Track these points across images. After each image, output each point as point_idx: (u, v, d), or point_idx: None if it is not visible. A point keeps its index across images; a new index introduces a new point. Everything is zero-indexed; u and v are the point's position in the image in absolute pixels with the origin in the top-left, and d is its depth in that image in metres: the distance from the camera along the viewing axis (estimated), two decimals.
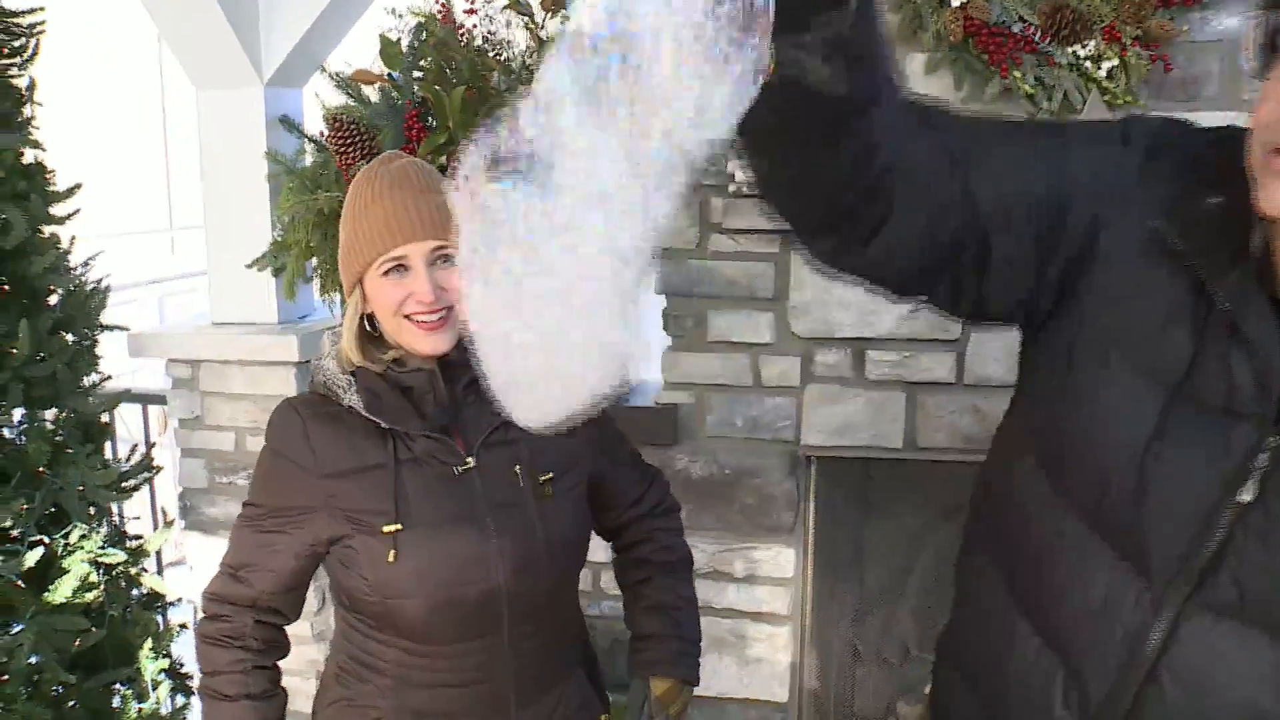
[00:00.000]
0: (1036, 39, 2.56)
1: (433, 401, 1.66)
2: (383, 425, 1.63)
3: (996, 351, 2.69)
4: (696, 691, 1.90)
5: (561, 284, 0.92)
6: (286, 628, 1.79)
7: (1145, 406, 1.13)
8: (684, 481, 2.89)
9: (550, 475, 1.70)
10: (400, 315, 1.60)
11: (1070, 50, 2.55)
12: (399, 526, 1.60)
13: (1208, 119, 1.26)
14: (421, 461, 1.64)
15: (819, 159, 1.07)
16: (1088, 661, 1.18)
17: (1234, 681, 1.11)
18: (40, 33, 2.73)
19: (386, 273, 1.60)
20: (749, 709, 3.06)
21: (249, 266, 3.17)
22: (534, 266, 0.92)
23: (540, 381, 1.02)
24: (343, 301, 2.93)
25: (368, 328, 1.68)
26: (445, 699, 1.69)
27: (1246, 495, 1.08)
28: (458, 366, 1.67)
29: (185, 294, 9.94)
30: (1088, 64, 2.54)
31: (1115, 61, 2.53)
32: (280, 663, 1.78)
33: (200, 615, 1.74)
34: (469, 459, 1.66)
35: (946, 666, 1.43)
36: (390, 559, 1.60)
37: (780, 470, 2.90)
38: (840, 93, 0.98)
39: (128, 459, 2.92)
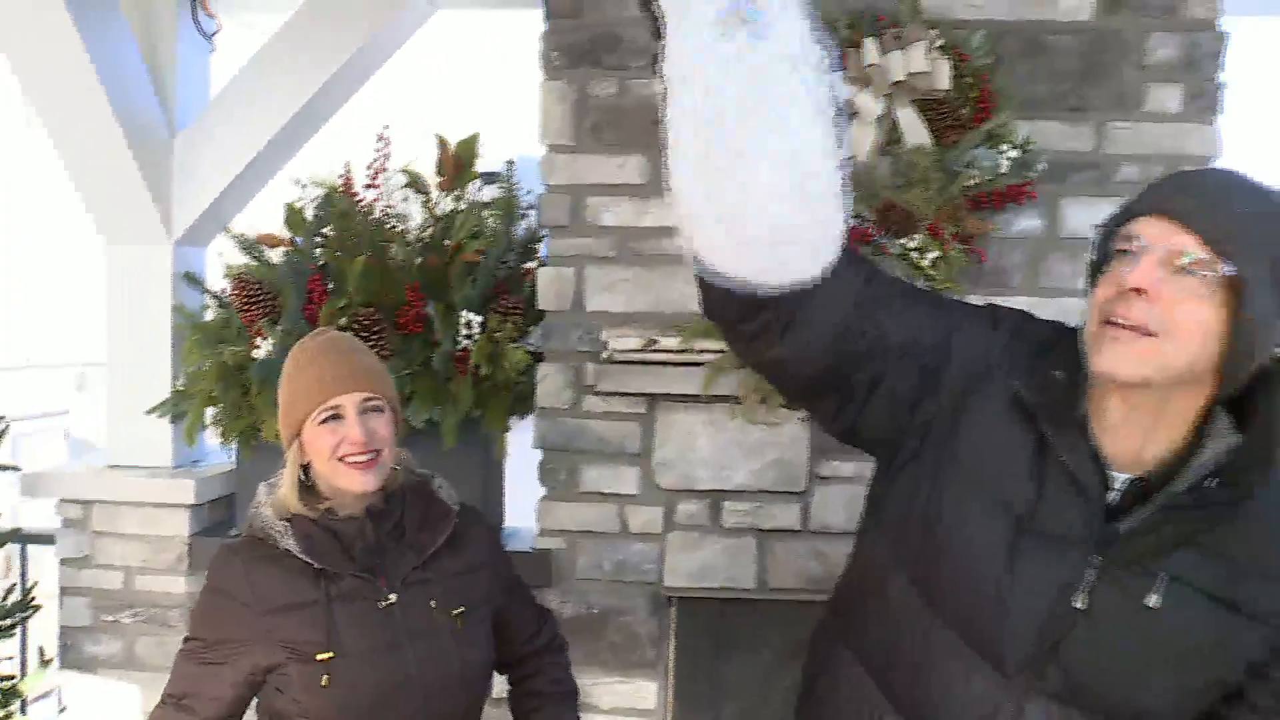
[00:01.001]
0: (872, 232, 2.77)
1: (360, 545, 1.81)
2: (315, 566, 1.77)
3: (837, 502, 2.87)
4: None
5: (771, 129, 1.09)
6: None
7: (998, 535, 1.37)
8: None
9: (462, 609, 1.86)
10: (335, 459, 1.77)
11: (900, 242, 2.75)
12: (331, 654, 1.74)
13: (1015, 304, 1.55)
14: (350, 598, 1.78)
15: None
16: None
17: None
18: None
19: (323, 421, 1.77)
20: None
21: (149, 412, 3.23)
22: (746, 110, 1.08)
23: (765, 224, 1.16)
24: (240, 448, 3.07)
25: (302, 478, 1.84)
26: None
27: (1078, 604, 1.34)
28: (381, 514, 1.84)
29: (38, 434, 9.67)
30: (915, 254, 2.75)
31: (938, 253, 2.74)
32: None
33: None
34: (391, 595, 1.80)
35: None
36: (324, 683, 1.73)
37: (645, 610, 2.99)
38: None
39: (4, 597, 2.92)
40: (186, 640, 1.85)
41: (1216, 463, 1.32)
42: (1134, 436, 1.35)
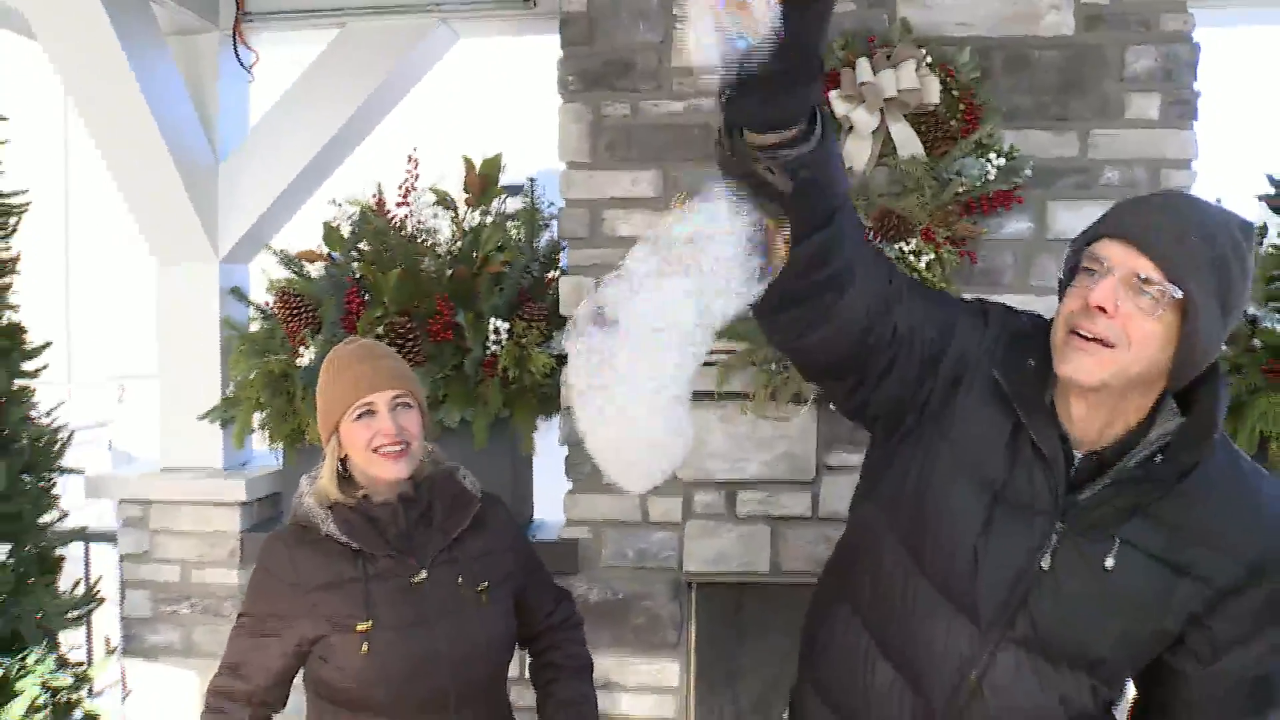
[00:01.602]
0: (870, 237, 2.84)
1: (394, 528, 1.97)
2: (354, 547, 1.94)
3: (845, 491, 2.92)
4: None
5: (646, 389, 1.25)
6: None
7: (977, 505, 1.54)
8: (583, 605, 3.00)
9: (485, 586, 2.01)
10: (370, 450, 1.94)
11: (897, 246, 2.87)
12: (370, 625, 1.89)
13: (1007, 301, 1.70)
14: (385, 576, 1.94)
15: (795, 251, 1.40)
16: (932, 683, 1.58)
17: (1028, 691, 1.54)
18: (24, 211, 3.00)
19: (359, 417, 1.94)
20: None
21: (201, 418, 3.39)
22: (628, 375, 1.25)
23: (635, 458, 1.34)
24: (285, 450, 3.22)
25: (340, 470, 2.00)
26: None
27: (1043, 565, 1.51)
28: (412, 501, 2.00)
29: (83, 445, 9.88)
30: (911, 257, 2.87)
31: (932, 255, 2.86)
32: None
33: (203, 706, 1.97)
34: (422, 573, 1.96)
35: (811, 696, 1.79)
36: (364, 651, 1.88)
37: (666, 594, 3.12)
38: (803, 203, 1.34)
39: (71, 590, 3.08)
40: (240, 616, 2.01)
41: (1162, 442, 1.49)
42: (1094, 427, 1.52)
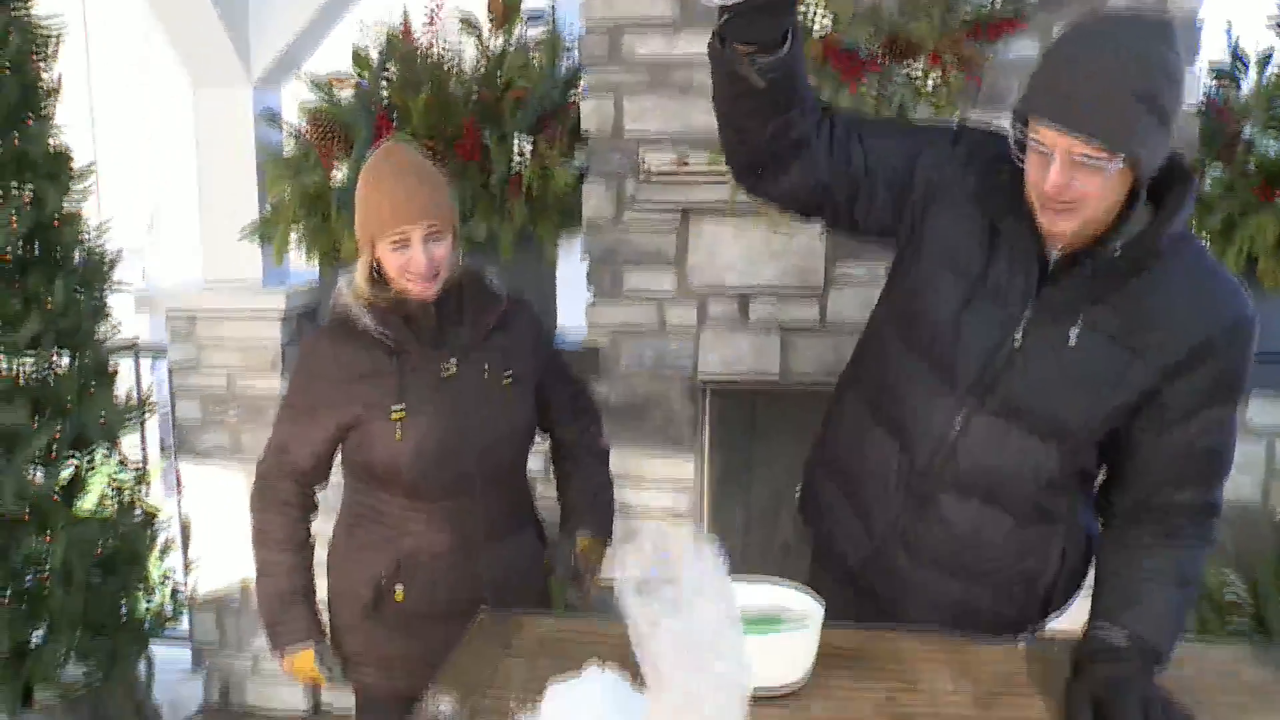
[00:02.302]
0: (878, 61, 2.96)
1: (426, 324, 2.08)
2: (389, 341, 2.05)
3: (851, 301, 3.14)
4: (606, 577, 2.25)
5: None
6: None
7: (958, 292, 1.74)
8: (605, 408, 3.06)
9: (510, 378, 2.15)
10: (402, 276, 2.03)
11: (904, 70, 2.96)
12: (404, 412, 2.04)
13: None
14: (418, 367, 2.07)
15: (757, 129, 1.68)
16: (917, 444, 1.80)
17: (997, 451, 1.76)
18: (61, 36, 3.09)
19: (394, 247, 2.01)
20: None
21: (241, 236, 3.53)
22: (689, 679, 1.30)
23: None
24: (321, 266, 3.37)
25: (374, 274, 2.09)
26: (431, 541, 2.12)
27: (1017, 339, 1.70)
28: (442, 299, 2.10)
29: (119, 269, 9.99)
30: (917, 81, 2.95)
31: (938, 79, 2.94)
32: None
33: (254, 484, 2.15)
34: (452, 365, 2.10)
35: (819, 469, 2.04)
36: (397, 436, 2.03)
37: (682, 397, 3.29)
38: (770, 95, 1.61)
39: (125, 400, 3.28)
40: (284, 406, 2.17)
41: (1127, 239, 1.64)
42: (1067, 238, 1.67)
